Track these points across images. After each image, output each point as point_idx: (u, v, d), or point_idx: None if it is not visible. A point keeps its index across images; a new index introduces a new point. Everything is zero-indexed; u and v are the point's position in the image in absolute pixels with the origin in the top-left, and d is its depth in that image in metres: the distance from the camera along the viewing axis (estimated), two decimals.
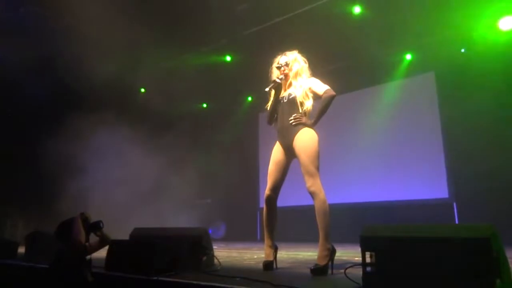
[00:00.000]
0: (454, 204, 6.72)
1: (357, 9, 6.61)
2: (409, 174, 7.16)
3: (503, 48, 6.26)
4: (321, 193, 2.90)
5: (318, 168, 2.98)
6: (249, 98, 9.56)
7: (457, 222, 6.55)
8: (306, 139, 3.04)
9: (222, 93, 9.38)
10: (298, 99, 3.13)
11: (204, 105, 10.15)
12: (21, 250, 4.43)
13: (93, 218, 2.95)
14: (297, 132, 3.08)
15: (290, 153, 3.15)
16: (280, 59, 3.33)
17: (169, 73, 8.43)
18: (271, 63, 3.39)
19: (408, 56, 7.45)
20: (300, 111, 3.12)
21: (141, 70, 7.90)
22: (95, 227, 2.88)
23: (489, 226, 1.79)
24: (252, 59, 7.48)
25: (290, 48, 3.37)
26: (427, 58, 7.23)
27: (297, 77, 3.24)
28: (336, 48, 7.19)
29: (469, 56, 6.81)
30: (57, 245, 2.76)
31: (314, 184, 2.92)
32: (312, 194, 2.93)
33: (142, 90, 9.58)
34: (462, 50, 6.89)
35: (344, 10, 6.63)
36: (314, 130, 3.12)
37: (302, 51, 3.34)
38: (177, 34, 7.25)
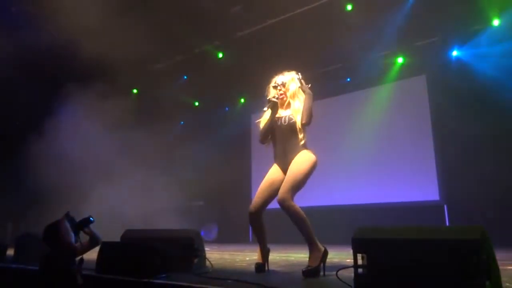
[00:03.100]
0: (445, 207, 6.76)
1: (349, 8, 6.64)
2: (400, 177, 7.20)
3: (494, 52, 6.32)
4: (292, 207, 2.86)
5: (298, 189, 2.94)
6: (242, 100, 9.54)
7: (447, 224, 6.59)
8: (302, 160, 3.00)
9: (215, 94, 9.35)
10: (298, 126, 3.07)
11: (196, 103, 10.08)
12: (10, 252, 4.38)
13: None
14: (296, 154, 3.04)
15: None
16: (277, 79, 3.25)
17: (162, 73, 8.41)
18: (268, 82, 3.32)
19: (400, 60, 7.50)
20: (300, 137, 3.06)
21: (133, 70, 7.85)
22: (85, 223, 2.83)
23: (479, 228, 1.81)
24: (245, 60, 7.49)
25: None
26: (418, 61, 7.28)
27: (295, 98, 3.17)
28: (328, 50, 7.19)
29: (460, 59, 6.88)
30: (47, 247, 2.73)
31: (287, 199, 2.86)
32: (283, 208, 2.88)
33: (134, 91, 9.53)
34: (454, 53, 6.96)
35: (336, 13, 6.65)
36: (314, 154, 3.07)
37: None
38: (170, 35, 7.22)
